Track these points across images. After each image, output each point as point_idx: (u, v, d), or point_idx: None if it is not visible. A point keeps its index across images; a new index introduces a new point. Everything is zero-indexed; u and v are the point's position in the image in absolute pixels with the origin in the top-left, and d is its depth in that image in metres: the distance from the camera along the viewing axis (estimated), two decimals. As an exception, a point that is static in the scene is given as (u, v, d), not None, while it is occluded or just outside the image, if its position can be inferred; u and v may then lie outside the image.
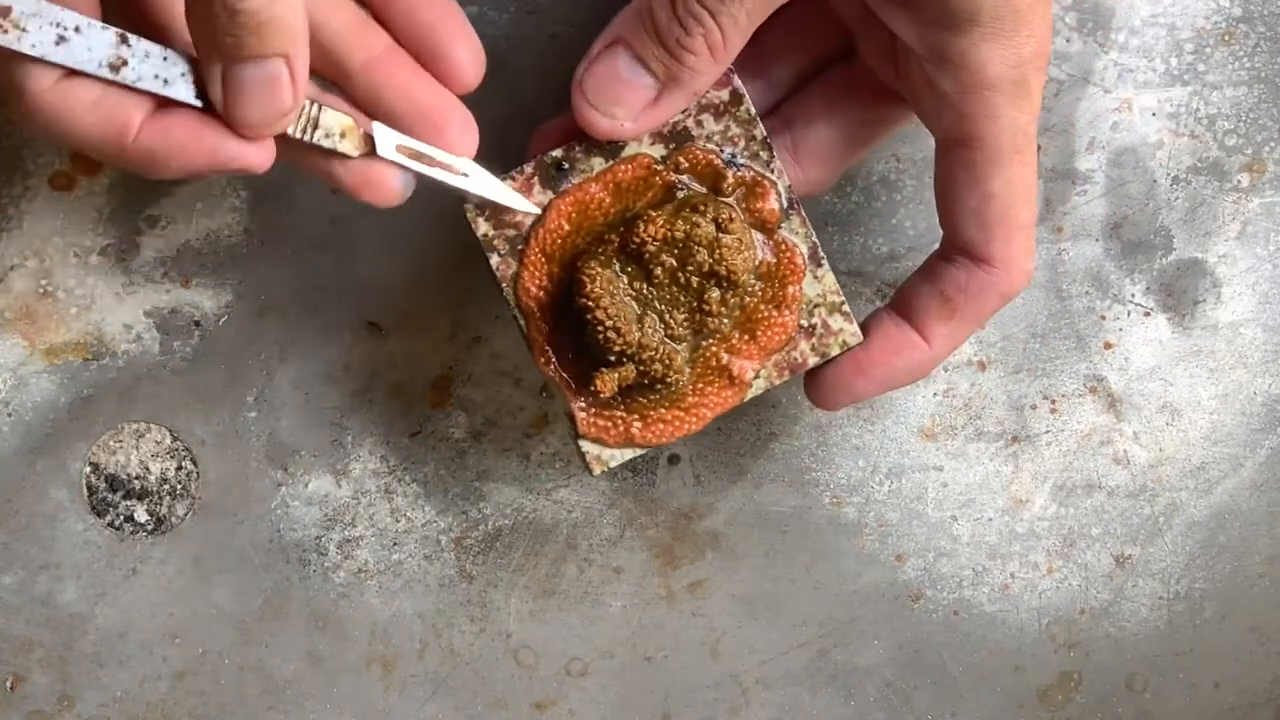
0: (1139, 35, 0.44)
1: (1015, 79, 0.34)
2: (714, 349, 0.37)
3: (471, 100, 0.43)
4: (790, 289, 0.37)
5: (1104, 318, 0.45)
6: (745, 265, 0.36)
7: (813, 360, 0.37)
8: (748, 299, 0.37)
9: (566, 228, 0.37)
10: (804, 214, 0.37)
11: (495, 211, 0.37)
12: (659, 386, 0.36)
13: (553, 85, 0.43)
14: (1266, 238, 0.45)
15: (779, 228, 0.37)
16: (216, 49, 0.30)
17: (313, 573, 0.45)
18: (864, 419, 0.45)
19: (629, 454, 0.37)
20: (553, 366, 0.37)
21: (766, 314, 0.37)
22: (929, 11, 0.33)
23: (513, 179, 0.37)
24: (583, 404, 0.37)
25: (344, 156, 0.33)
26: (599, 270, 0.35)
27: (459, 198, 0.37)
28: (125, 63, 0.31)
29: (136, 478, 0.44)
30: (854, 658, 0.46)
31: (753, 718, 0.46)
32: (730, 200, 0.37)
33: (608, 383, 0.35)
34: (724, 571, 0.46)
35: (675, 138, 0.37)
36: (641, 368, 0.36)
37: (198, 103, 0.31)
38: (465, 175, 0.35)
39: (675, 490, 0.45)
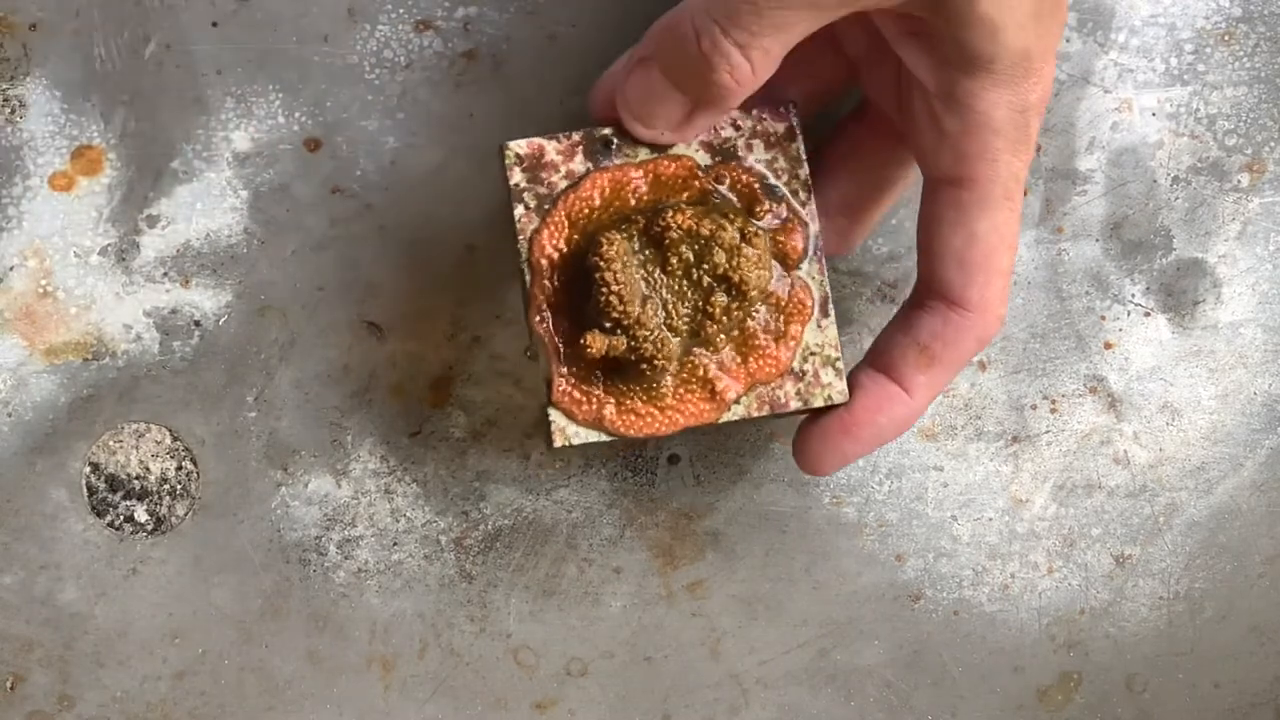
0: (1139, 35, 0.44)
1: (1019, 125, 0.34)
2: (704, 359, 0.37)
3: (471, 101, 0.43)
4: (793, 327, 0.37)
5: (1104, 318, 0.45)
6: (759, 282, 0.36)
7: (794, 404, 0.37)
8: (750, 322, 0.37)
9: (597, 200, 0.37)
10: (824, 264, 0.37)
11: (532, 167, 0.37)
12: (645, 369, 0.36)
13: (553, 85, 0.43)
14: (1266, 238, 0.45)
15: (798, 266, 0.37)
16: None
17: (313, 573, 0.45)
18: (864, 419, 0.45)
19: (593, 436, 0.37)
20: (545, 325, 0.37)
21: (764, 343, 0.37)
22: (947, 53, 0.33)
23: (558, 141, 0.37)
24: (564, 371, 0.37)
25: None
26: (619, 239, 0.35)
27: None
28: None
29: (136, 478, 0.44)
30: (854, 658, 0.46)
31: (753, 718, 0.46)
32: (760, 225, 0.37)
33: (598, 342, 0.35)
34: (724, 571, 0.46)
35: (722, 153, 0.37)
36: (634, 343, 0.36)
37: None
38: None
39: (675, 490, 0.45)
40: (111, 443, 0.44)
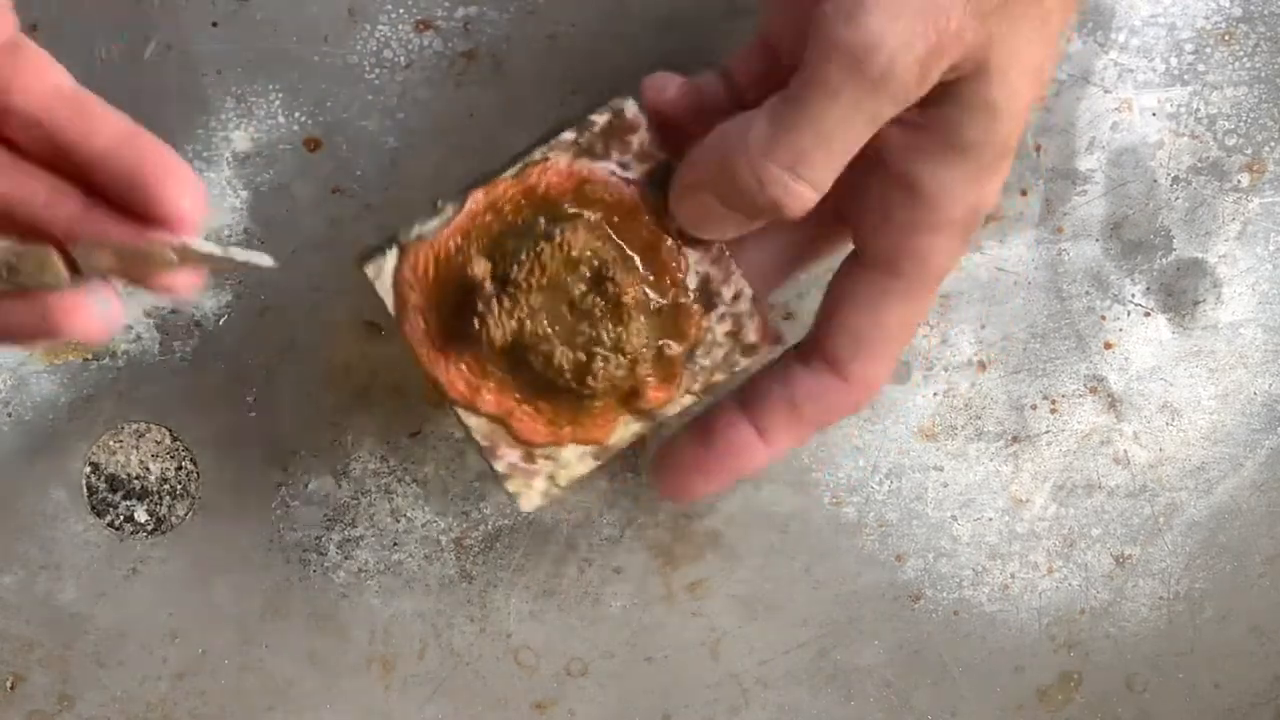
0: (1139, 35, 0.44)
1: (965, 225, 0.33)
2: (524, 398, 0.36)
3: (471, 101, 0.43)
4: (599, 429, 0.37)
5: (1104, 318, 0.45)
6: (609, 379, 0.35)
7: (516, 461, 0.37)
8: (586, 399, 0.36)
9: (575, 190, 0.36)
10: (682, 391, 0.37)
11: (622, 129, 0.36)
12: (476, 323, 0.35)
13: (552, 85, 0.43)
14: (1266, 238, 0.45)
15: (650, 384, 0.37)
16: None
17: (313, 573, 0.45)
18: (864, 419, 0.45)
19: (387, 299, 0.36)
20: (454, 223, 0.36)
21: (569, 420, 0.37)
22: (933, 138, 0.32)
23: (648, 133, 0.36)
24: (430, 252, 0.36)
25: (51, 288, 0.31)
26: (585, 235, 0.35)
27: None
28: None
29: (136, 478, 0.44)
30: (854, 658, 0.46)
31: (753, 718, 0.46)
32: (675, 350, 0.36)
33: (497, 327, 0.35)
34: (724, 571, 0.46)
35: (705, 294, 0.36)
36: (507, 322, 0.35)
37: None
38: (180, 251, 0.32)
39: (675, 490, 0.45)
40: (111, 443, 0.44)
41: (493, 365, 0.36)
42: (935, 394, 0.45)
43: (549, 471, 0.37)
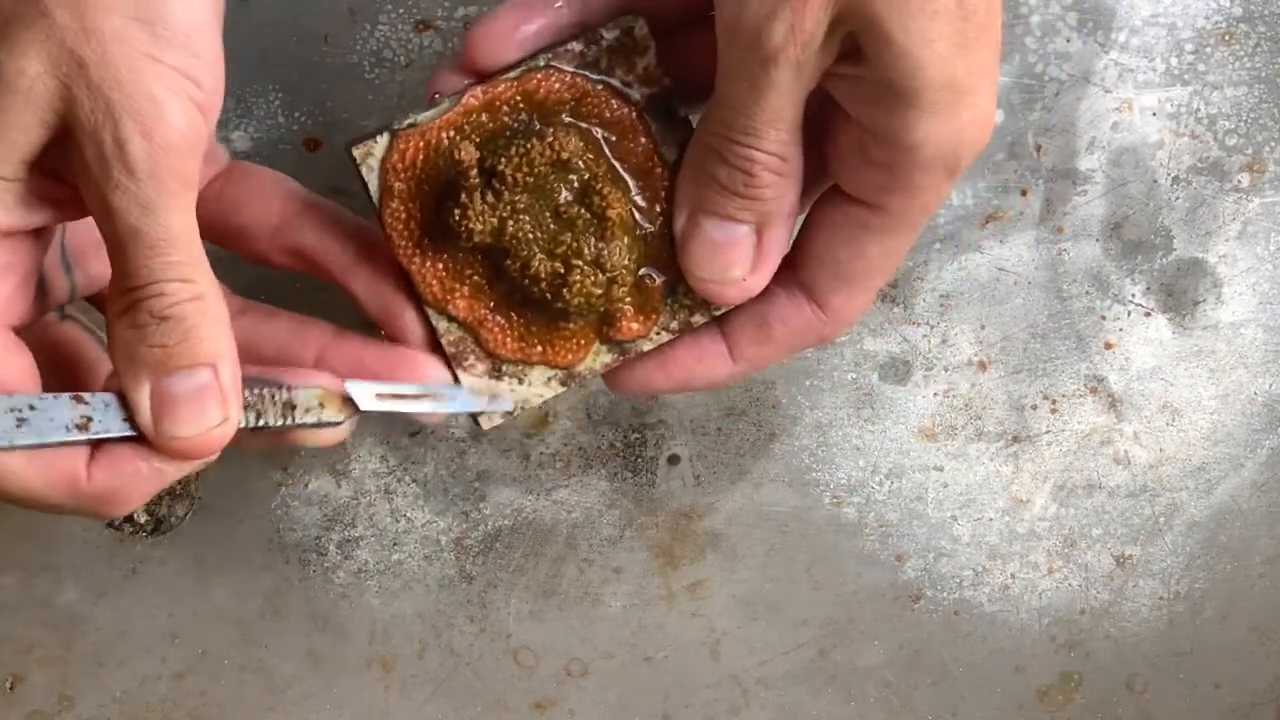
0: (1139, 35, 0.44)
1: (948, 163, 0.33)
2: (498, 307, 0.36)
3: (471, 100, 0.43)
4: (571, 353, 0.36)
5: (1104, 318, 0.45)
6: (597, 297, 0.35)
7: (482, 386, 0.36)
8: (560, 317, 0.35)
9: (575, 101, 0.35)
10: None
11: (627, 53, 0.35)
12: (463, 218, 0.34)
13: (553, 85, 0.43)
14: (1267, 238, 0.45)
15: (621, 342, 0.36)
16: (145, 364, 0.30)
17: (313, 573, 0.45)
18: (864, 419, 0.45)
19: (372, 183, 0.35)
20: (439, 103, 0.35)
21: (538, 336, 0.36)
22: (870, 87, 0.32)
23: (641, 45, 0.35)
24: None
25: (333, 424, 0.33)
26: (577, 141, 0.34)
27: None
28: (90, 419, 0.30)
29: (136, 478, 0.44)
30: (854, 658, 0.46)
31: (753, 718, 0.46)
32: (656, 282, 0.36)
33: (477, 219, 0.34)
34: (724, 571, 0.46)
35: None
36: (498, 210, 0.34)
37: (133, 433, 0.31)
38: (445, 397, 0.35)
39: (675, 490, 0.45)
40: (111, 443, 0.44)
41: (470, 269, 0.35)
42: (935, 394, 0.45)
43: (513, 392, 0.36)
